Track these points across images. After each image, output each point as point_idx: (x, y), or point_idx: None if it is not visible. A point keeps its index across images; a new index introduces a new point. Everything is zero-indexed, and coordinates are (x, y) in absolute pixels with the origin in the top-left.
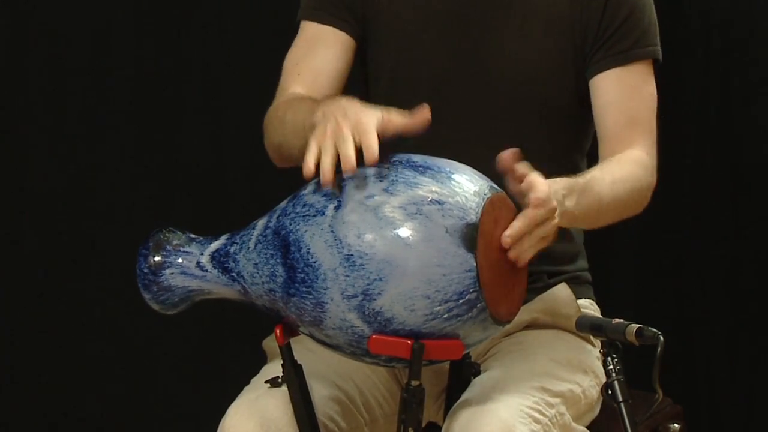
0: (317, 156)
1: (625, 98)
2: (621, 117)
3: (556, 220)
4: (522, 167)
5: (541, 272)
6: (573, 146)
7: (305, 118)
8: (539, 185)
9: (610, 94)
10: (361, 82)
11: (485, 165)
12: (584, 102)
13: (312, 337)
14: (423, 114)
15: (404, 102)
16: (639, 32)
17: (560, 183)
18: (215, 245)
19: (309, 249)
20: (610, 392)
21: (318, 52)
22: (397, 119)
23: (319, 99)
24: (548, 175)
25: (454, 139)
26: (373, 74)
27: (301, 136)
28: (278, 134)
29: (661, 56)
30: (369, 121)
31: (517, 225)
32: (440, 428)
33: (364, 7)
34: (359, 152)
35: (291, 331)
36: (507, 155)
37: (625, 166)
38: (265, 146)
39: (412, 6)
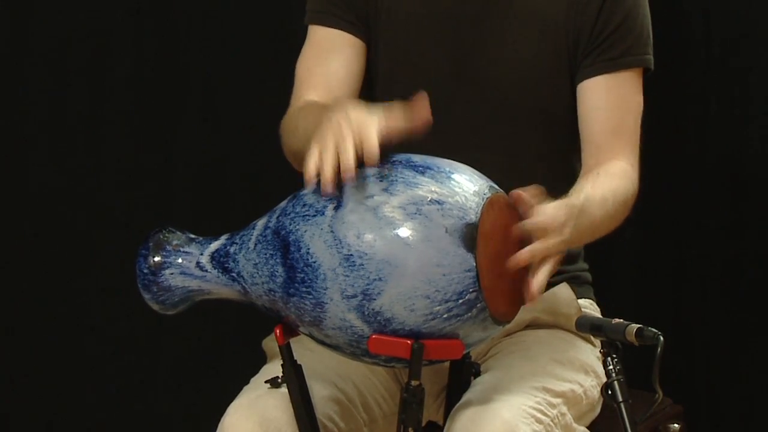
0: (318, 161)
1: (611, 106)
2: (606, 125)
3: (560, 249)
4: (531, 198)
5: None
6: (569, 148)
7: (316, 124)
8: (548, 213)
9: (596, 101)
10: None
11: (482, 169)
12: None
13: (312, 337)
14: (424, 114)
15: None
16: (630, 40)
17: (561, 210)
18: (215, 245)
19: (309, 249)
20: (610, 392)
21: (329, 58)
22: (399, 124)
23: (330, 103)
24: (545, 177)
25: (450, 142)
26: (371, 77)
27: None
28: (294, 142)
29: (653, 64)
30: (370, 126)
31: (524, 254)
32: (440, 427)
33: (367, 8)
34: (360, 157)
35: (291, 331)
36: (517, 193)
37: (613, 180)
38: (284, 154)
39: (410, 10)
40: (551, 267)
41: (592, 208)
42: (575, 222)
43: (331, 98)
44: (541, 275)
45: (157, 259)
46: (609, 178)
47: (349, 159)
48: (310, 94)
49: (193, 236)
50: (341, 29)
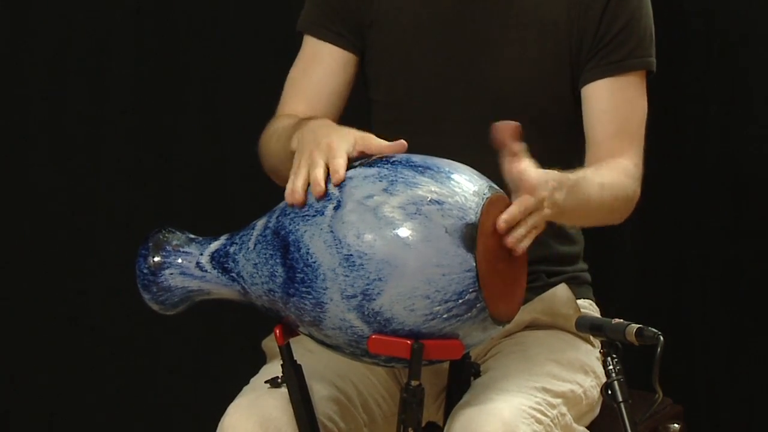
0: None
1: (615, 108)
2: (610, 127)
3: (545, 210)
4: (516, 147)
5: (541, 272)
6: (571, 151)
7: (285, 146)
8: (531, 173)
9: (601, 104)
10: (362, 87)
11: (481, 169)
12: (581, 108)
13: (311, 337)
14: (399, 143)
15: (402, 108)
16: (634, 43)
17: (552, 175)
18: (215, 245)
19: (308, 249)
20: (610, 392)
21: (315, 70)
22: (373, 142)
23: (298, 121)
24: None
25: (450, 145)
26: (372, 80)
27: (286, 164)
28: (270, 161)
29: (655, 67)
30: (338, 146)
31: (513, 209)
32: (440, 428)
33: (361, 16)
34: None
35: (290, 331)
36: (504, 126)
37: (614, 173)
38: (264, 169)
39: (409, 13)
40: (533, 226)
41: (587, 188)
42: (567, 192)
43: (313, 110)
44: (521, 229)
45: (156, 259)
46: (610, 170)
47: (318, 176)
48: (293, 106)
49: (192, 236)
50: (329, 42)
